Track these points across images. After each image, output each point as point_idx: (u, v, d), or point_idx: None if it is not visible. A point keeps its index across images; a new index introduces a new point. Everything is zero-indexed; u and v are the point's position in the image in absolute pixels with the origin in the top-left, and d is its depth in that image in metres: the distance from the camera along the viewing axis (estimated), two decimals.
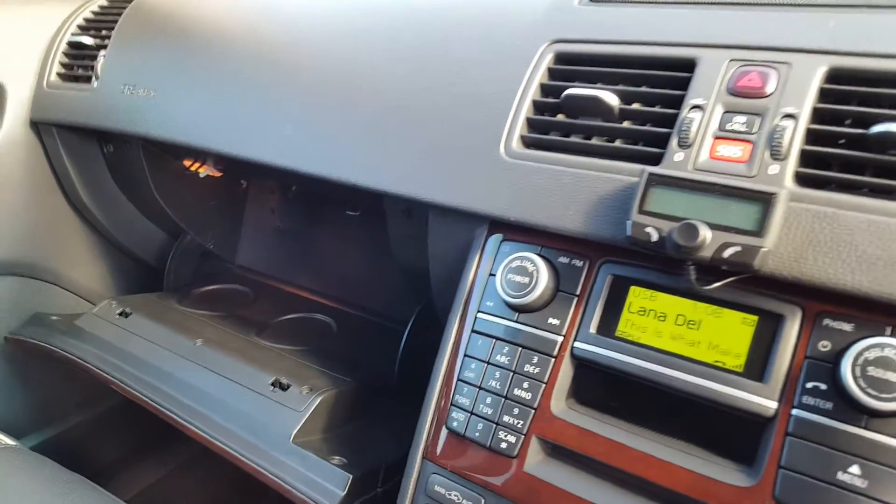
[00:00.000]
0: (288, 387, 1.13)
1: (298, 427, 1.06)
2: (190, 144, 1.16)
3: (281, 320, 1.44)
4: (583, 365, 0.78)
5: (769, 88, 0.71)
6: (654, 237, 0.69)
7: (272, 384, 1.14)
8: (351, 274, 1.56)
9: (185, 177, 1.48)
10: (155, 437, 1.70)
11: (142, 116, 1.23)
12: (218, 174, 1.43)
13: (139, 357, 1.25)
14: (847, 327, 0.65)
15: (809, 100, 0.69)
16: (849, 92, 0.69)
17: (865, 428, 0.62)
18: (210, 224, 1.61)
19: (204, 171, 1.41)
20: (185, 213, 1.53)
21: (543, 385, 0.78)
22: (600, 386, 0.80)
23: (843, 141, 0.68)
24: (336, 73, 1.02)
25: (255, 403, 1.12)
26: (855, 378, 0.60)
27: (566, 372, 0.79)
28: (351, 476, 0.99)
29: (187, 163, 1.45)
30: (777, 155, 0.68)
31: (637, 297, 0.76)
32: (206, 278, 1.61)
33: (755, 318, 0.69)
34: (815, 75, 0.70)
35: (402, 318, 1.31)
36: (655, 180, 0.70)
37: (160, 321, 1.33)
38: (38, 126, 1.39)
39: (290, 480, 1.02)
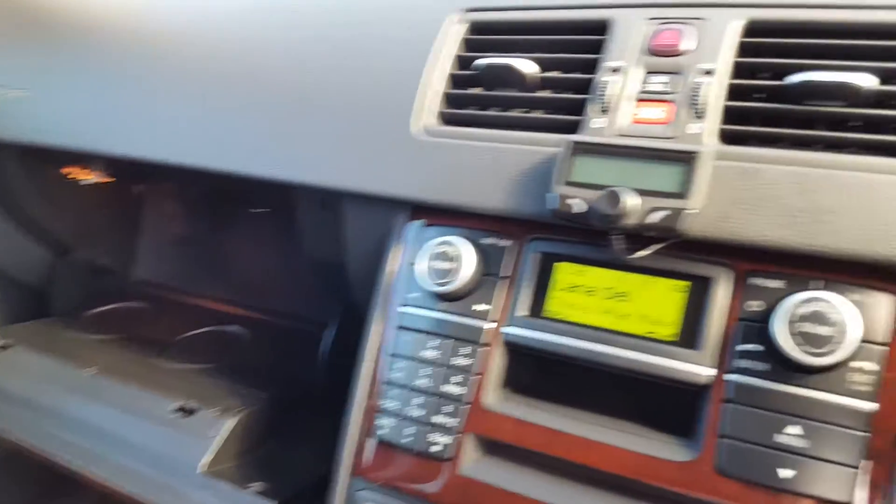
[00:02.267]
0: (194, 411, 1.08)
1: (209, 456, 1.01)
2: (73, 148, 1.10)
3: (186, 336, 1.39)
4: (515, 351, 0.78)
5: (687, 45, 0.73)
6: (579, 208, 0.70)
7: (177, 410, 1.09)
8: (263, 278, 1.52)
9: (70, 186, 1.41)
10: (57, 484, 1.60)
11: (13, 120, 1.16)
12: (108, 180, 1.36)
13: (22, 396, 1.16)
14: (777, 284, 0.67)
15: (728, 54, 0.72)
16: (766, 44, 0.72)
17: (802, 386, 0.64)
18: (102, 236, 1.53)
19: (92, 178, 1.34)
20: (72, 226, 1.45)
21: (475, 377, 0.78)
22: (535, 371, 0.81)
23: (762, 95, 0.71)
24: (232, 60, 0.99)
25: (158, 435, 1.06)
26: (788, 335, 0.63)
27: (498, 360, 0.78)
28: (275, 502, 0.96)
29: (71, 169, 1.37)
30: (698, 113, 0.70)
31: (566, 273, 0.77)
32: (100, 298, 1.53)
33: (684, 283, 0.71)
34: (731, 29, 0.73)
35: (323, 320, 1.29)
36: (576, 149, 0.71)
37: (46, 352, 1.25)
38: None
39: None
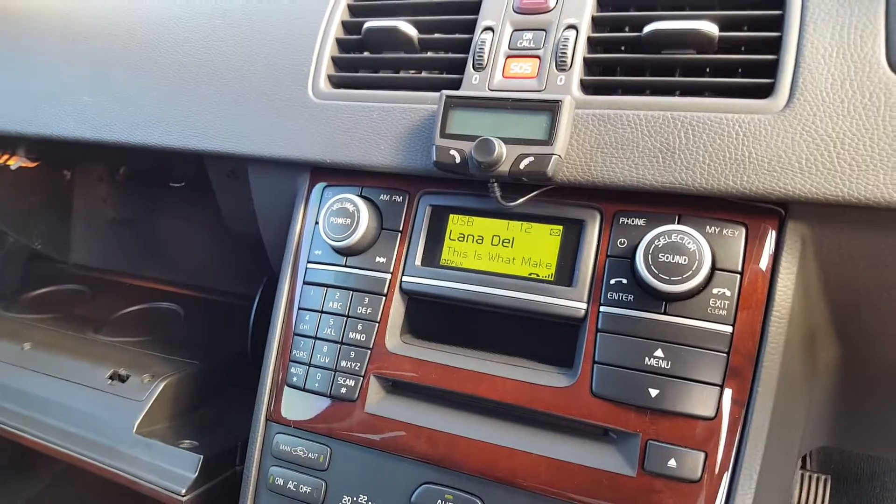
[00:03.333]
0: (127, 378, 1.08)
1: (141, 417, 1.02)
2: None
3: (122, 314, 1.37)
4: (413, 299, 0.80)
5: (551, 3, 0.75)
6: (458, 159, 0.71)
7: (109, 377, 1.08)
8: (195, 256, 1.50)
9: None
10: (15, 458, 1.57)
11: None
12: (32, 164, 1.33)
13: None
14: (640, 222, 0.70)
15: (588, 9, 0.73)
16: None
17: (664, 313, 0.67)
18: (34, 222, 1.49)
19: (15, 163, 1.30)
20: (3, 213, 1.41)
21: (377, 324, 0.79)
22: (432, 317, 0.82)
23: (623, 47, 0.73)
24: (128, 33, 0.97)
25: (92, 400, 1.06)
26: (648, 266, 0.65)
27: (398, 308, 0.80)
28: (202, 456, 0.96)
29: None
30: (562, 66, 0.72)
31: (456, 224, 0.78)
32: (38, 282, 1.49)
33: (560, 227, 0.73)
34: None
35: (253, 294, 1.28)
36: (452, 103, 0.72)
37: None
38: None
39: (135, 472, 0.98)
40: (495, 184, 0.71)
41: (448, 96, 0.72)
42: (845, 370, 0.77)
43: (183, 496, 0.94)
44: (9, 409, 1.09)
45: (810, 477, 1.09)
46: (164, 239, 1.56)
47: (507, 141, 0.69)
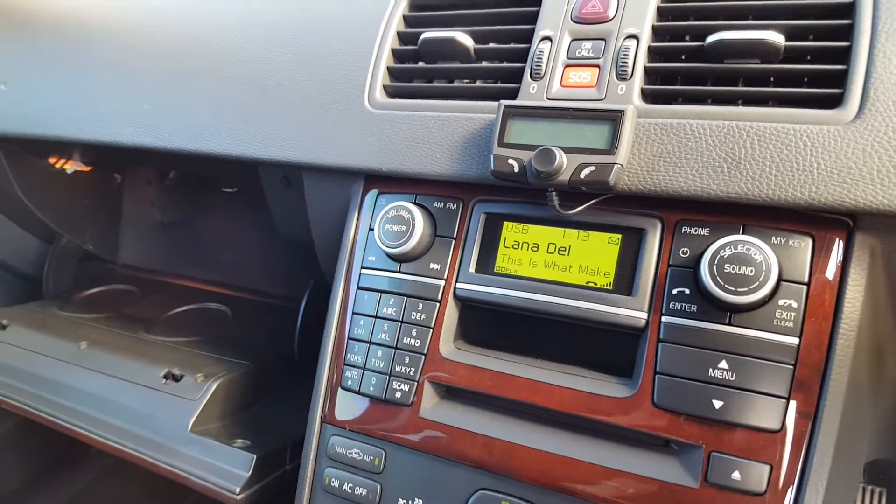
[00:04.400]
0: (181, 377, 1.06)
1: (195, 416, 1.00)
2: (47, 136, 1.06)
3: (172, 314, 1.36)
4: (467, 305, 0.77)
5: (611, 12, 0.71)
6: (516, 168, 0.68)
7: (164, 377, 1.07)
8: (242, 259, 1.49)
9: (52, 176, 1.36)
10: (65, 452, 1.58)
11: None
12: (87, 168, 1.32)
13: (20, 368, 1.15)
14: (703, 232, 0.66)
15: (649, 19, 0.70)
16: (686, 8, 0.70)
17: (729, 324, 0.64)
18: (86, 224, 1.49)
19: (71, 167, 1.29)
20: (58, 215, 1.41)
21: (431, 330, 0.77)
22: (486, 324, 0.80)
23: (685, 56, 0.70)
24: (189, 42, 0.95)
25: (147, 398, 1.05)
26: (713, 277, 0.62)
27: (451, 314, 0.77)
28: (255, 456, 0.94)
29: (52, 160, 1.33)
30: (623, 75, 0.69)
31: (510, 231, 0.76)
32: (89, 282, 1.49)
33: (619, 236, 0.70)
34: None
35: (299, 296, 1.27)
36: (511, 112, 0.69)
37: (40, 329, 1.23)
38: None
39: (189, 469, 0.96)
40: (553, 193, 0.68)
41: (507, 106, 0.69)
42: None
43: (237, 494, 0.93)
44: (66, 406, 1.08)
45: (864, 489, 1.04)
46: (209, 242, 1.55)
47: (567, 150, 0.66)
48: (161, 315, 1.34)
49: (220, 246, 1.53)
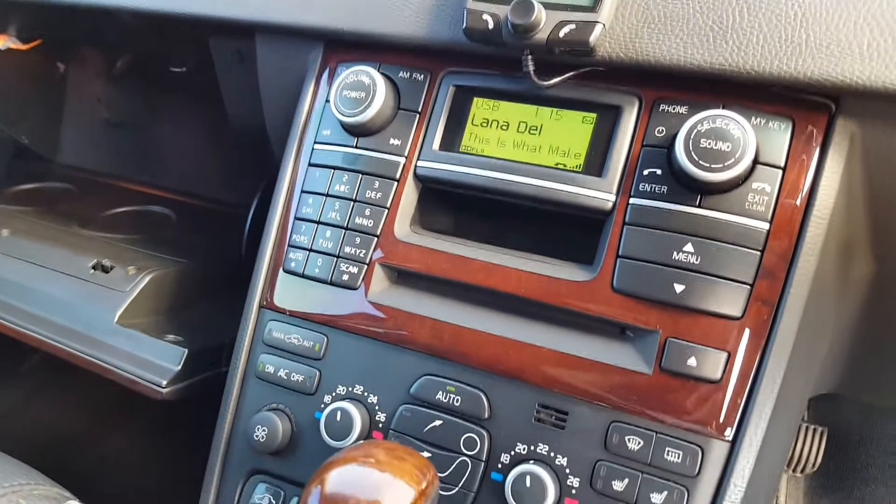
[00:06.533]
0: (111, 269, 1.01)
1: (123, 308, 0.95)
2: None
3: (110, 213, 1.29)
4: (428, 188, 0.74)
5: None
6: (490, 24, 0.64)
7: (93, 267, 1.01)
8: (192, 164, 1.42)
9: None
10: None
11: None
12: (24, 46, 1.22)
13: None
14: (682, 110, 0.64)
15: None
16: None
17: (698, 206, 0.62)
18: (22, 114, 1.40)
19: (4, 43, 1.20)
20: None
21: (386, 210, 0.73)
22: (446, 210, 0.76)
23: None
24: None
25: (73, 288, 1.00)
26: (688, 151, 0.59)
27: (410, 194, 0.73)
28: (186, 350, 0.90)
29: None
30: None
31: (480, 108, 0.72)
32: (23, 178, 1.40)
33: (594, 115, 0.67)
34: None
35: (250, 204, 1.21)
36: None
37: None
38: None
39: (114, 362, 0.91)
40: (529, 57, 0.64)
41: None
42: (875, 291, 0.72)
43: (163, 388, 0.88)
44: None
45: (808, 427, 1.05)
46: (158, 145, 1.47)
47: (546, 6, 0.62)
48: (98, 214, 1.27)
49: (169, 150, 1.46)
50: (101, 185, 1.43)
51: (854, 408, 1.20)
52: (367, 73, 0.72)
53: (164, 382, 0.88)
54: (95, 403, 1.50)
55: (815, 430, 1.05)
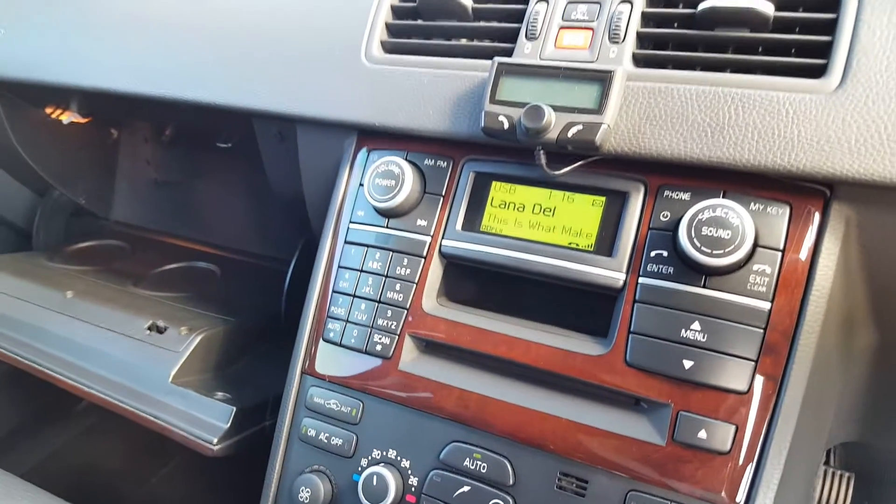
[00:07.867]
0: (165, 329, 1.10)
1: (177, 367, 1.03)
2: (45, 81, 1.09)
3: (160, 270, 1.39)
4: (452, 263, 0.80)
5: None
6: (506, 125, 0.71)
7: (148, 328, 1.10)
8: (235, 221, 1.52)
9: (48, 126, 1.39)
10: (49, 405, 1.61)
11: None
12: (83, 120, 1.35)
13: (5, 315, 1.18)
14: (685, 196, 0.69)
15: None
16: None
17: (703, 287, 0.67)
18: (80, 177, 1.52)
19: (67, 118, 1.32)
20: (52, 166, 1.44)
21: (414, 285, 0.80)
22: (469, 284, 0.83)
23: (677, 23, 0.73)
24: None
25: (130, 349, 1.08)
26: (690, 238, 0.65)
27: (435, 270, 0.80)
28: (234, 408, 0.98)
29: (49, 110, 1.36)
30: (615, 39, 0.72)
31: (498, 191, 0.79)
32: (80, 236, 1.52)
33: (602, 198, 0.73)
34: None
35: (290, 259, 1.30)
36: (504, 69, 0.72)
37: (27, 278, 1.26)
38: None
39: (169, 419, 0.99)
40: (541, 151, 0.71)
41: (500, 63, 0.72)
42: (881, 358, 0.76)
43: (214, 445, 0.96)
44: (50, 354, 1.11)
45: (833, 473, 1.07)
46: (203, 203, 1.58)
47: (556, 109, 0.68)
48: (150, 271, 1.37)
49: (213, 207, 1.57)
50: (150, 241, 1.54)
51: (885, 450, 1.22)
52: (397, 164, 0.80)
53: (215, 440, 0.96)
54: (143, 445, 1.60)
55: (841, 475, 1.07)
